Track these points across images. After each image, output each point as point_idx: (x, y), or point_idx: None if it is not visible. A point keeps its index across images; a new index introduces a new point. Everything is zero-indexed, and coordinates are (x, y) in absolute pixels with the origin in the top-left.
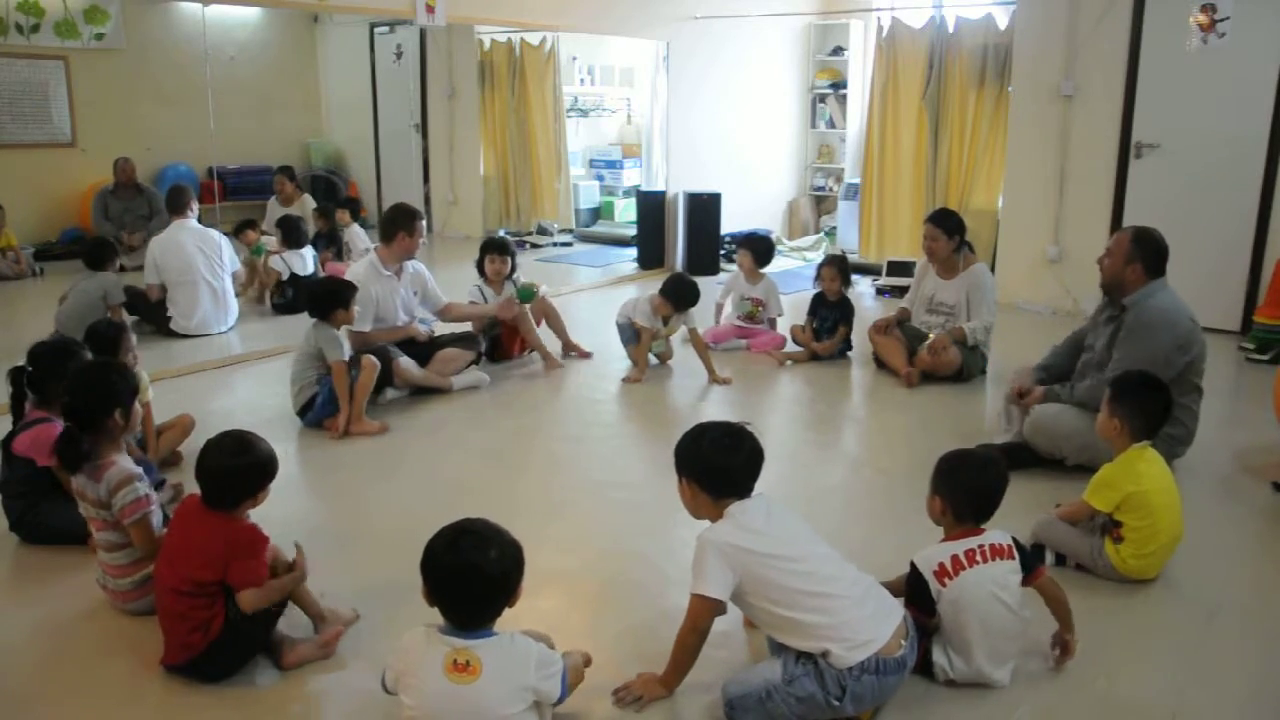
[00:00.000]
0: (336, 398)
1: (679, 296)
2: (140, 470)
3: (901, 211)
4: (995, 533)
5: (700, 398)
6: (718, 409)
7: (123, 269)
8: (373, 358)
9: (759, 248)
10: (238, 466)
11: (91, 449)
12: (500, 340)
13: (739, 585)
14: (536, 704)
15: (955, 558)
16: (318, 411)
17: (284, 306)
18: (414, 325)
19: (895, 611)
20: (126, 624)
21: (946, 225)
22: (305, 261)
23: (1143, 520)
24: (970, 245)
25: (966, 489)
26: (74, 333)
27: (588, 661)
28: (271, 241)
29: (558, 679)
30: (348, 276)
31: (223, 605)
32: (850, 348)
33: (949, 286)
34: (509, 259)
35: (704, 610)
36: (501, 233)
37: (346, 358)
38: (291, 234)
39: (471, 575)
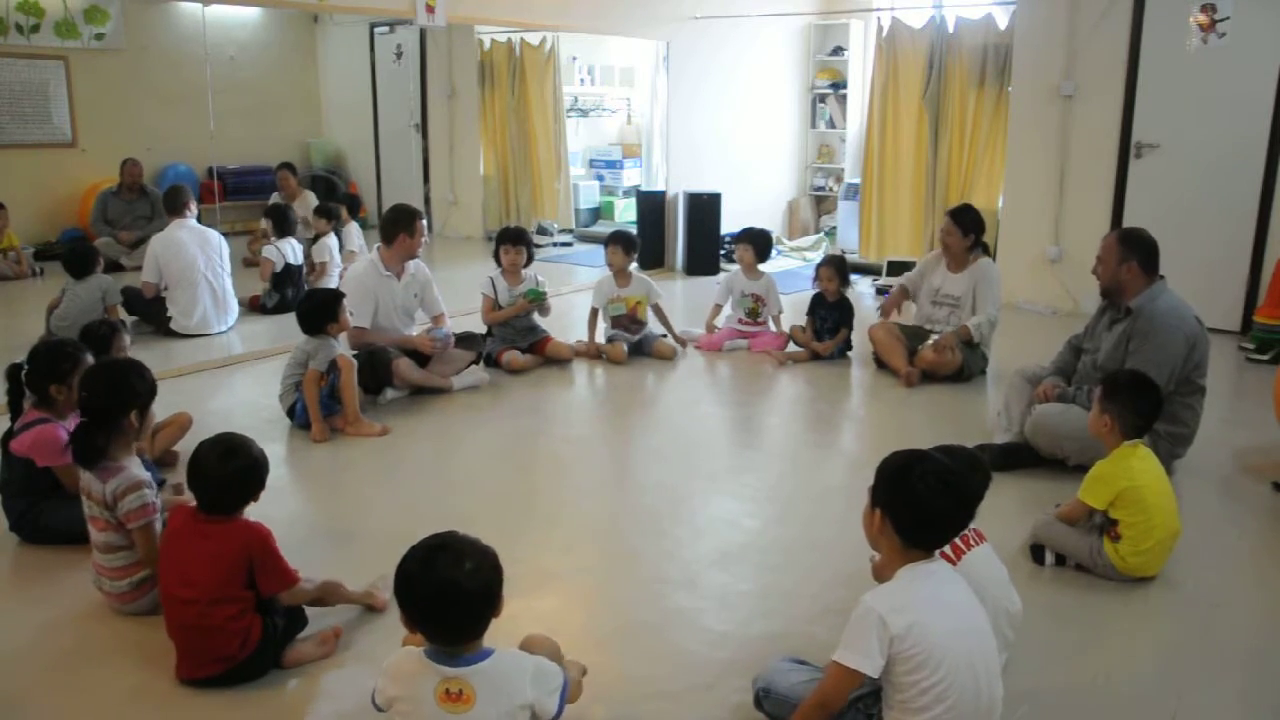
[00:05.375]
0: (329, 402)
1: (623, 239)
2: (149, 476)
3: (901, 211)
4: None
5: (700, 397)
6: (719, 408)
7: (121, 268)
8: (349, 356)
9: (760, 241)
10: (237, 469)
11: (106, 446)
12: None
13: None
14: (534, 716)
15: (954, 544)
16: (300, 416)
17: (279, 306)
18: (422, 337)
19: None
20: (126, 624)
21: (962, 221)
22: (295, 250)
23: (1137, 516)
24: (986, 247)
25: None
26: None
27: (583, 672)
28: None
29: (556, 695)
30: (346, 276)
31: (255, 613)
32: (850, 347)
33: (956, 279)
34: (524, 249)
35: (840, 680)
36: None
37: (324, 368)
38: (280, 222)
39: (451, 593)
